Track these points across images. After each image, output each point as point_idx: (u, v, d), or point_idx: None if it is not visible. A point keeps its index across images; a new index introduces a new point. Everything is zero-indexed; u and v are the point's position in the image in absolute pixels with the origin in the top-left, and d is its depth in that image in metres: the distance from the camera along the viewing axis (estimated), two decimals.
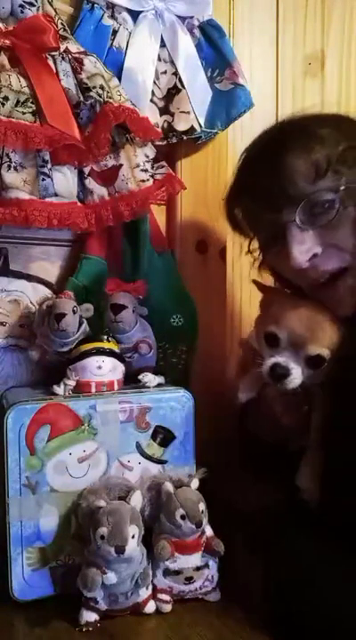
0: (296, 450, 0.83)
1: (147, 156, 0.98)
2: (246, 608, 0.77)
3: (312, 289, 0.80)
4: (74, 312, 0.87)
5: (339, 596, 0.68)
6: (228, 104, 1.05)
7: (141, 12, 1.00)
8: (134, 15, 1.00)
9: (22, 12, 0.88)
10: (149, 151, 0.98)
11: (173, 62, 1.02)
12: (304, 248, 0.75)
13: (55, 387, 0.85)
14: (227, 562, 0.82)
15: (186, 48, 1.02)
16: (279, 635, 0.71)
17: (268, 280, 0.91)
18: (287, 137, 0.77)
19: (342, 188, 0.73)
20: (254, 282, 0.90)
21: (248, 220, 0.85)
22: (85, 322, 0.90)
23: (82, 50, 0.92)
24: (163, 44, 1.02)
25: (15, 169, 0.87)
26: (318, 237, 0.75)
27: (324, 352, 0.76)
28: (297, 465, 0.80)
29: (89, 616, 0.75)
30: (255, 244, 0.87)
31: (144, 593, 0.78)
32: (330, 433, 0.77)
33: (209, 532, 0.82)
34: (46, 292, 0.99)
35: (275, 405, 0.82)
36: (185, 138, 1.03)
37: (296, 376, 0.76)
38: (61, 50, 0.90)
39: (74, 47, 0.92)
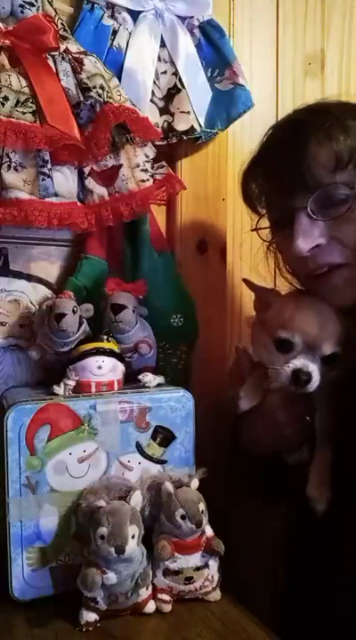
0: (295, 463, 0.82)
1: (147, 156, 0.97)
2: (246, 608, 0.77)
3: (307, 279, 0.79)
4: (74, 312, 0.87)
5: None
6: (228, 104, 1.05)
7: (141, 12, 1.00)
8: (134, 15, 1.00)
9: (22, 12, 0.88)
10: (149, 151, 0.98)
11: (173, 62, 1.02)
12: (310, 237, 0.74)
13: (55, 387, 0.85)
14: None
15: (186, 48, 1.02)
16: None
17: (271, 267, 0.90)
18: (314, 122, 0.75)
19: None
20: (245, 281, 0.87)
21: (262, 197, 0.83)
22: (85, 322, 0.90)
23: (82, 50, 0.92)
24: (163, 44, 1.02)
25: (15, 169, 0.87)
26: (324, 229, 0.74)
27: (338, 349, 0.75)
28: (297, 477, 0.78)
29: (89, 616, 0.75)
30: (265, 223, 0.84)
31: (144, 593, 0.78)
32: (340, 432, 0.75)
33: (209, 531, 0.82)
34: (46, 292, 0.99)
35: (278, 415, 0.81)
36: (185, 138, 1.03)
37: (316, 377, 0.74)
38: (61, 50, 0.90)
39: (74, 47, 0.92)
